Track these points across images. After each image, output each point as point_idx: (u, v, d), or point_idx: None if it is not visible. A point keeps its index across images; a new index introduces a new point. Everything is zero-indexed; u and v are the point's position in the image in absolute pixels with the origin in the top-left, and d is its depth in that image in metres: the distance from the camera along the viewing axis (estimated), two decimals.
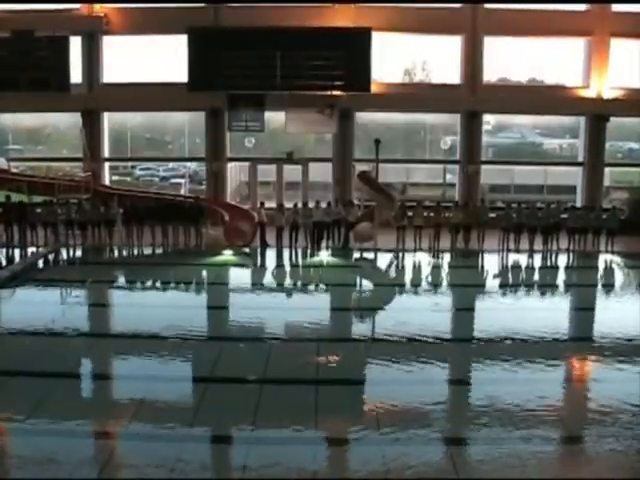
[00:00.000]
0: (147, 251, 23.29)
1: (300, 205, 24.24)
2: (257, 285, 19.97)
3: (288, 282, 20.73)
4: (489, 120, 30.70)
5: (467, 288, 19.44)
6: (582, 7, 28.52)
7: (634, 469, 8.65)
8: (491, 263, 22.74)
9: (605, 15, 28.02)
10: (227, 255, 22.82)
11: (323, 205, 23.94)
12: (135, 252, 23.33)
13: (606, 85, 28.49)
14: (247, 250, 23.63)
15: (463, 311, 17.12)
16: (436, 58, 29.28)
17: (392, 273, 22.33)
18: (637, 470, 8.65)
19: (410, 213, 23.82)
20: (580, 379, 12.53)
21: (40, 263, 21.77)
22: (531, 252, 23.18)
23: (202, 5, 27.90)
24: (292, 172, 29.23)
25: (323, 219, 23.49)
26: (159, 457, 8.63)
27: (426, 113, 29.83)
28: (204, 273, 21.36)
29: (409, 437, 9.25)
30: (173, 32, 27.24)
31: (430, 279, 20.76)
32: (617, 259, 23.37)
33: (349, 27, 27.28)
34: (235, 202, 29.02)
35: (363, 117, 29.65)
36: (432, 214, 23.83)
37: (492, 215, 24.44)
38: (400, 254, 23.18)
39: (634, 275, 22.61)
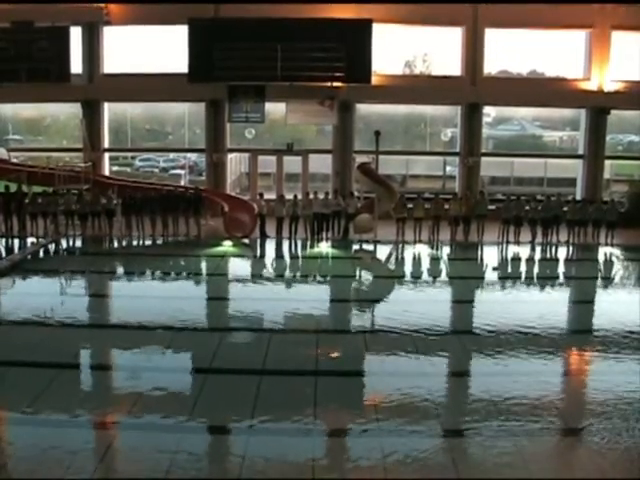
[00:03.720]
0: (147, 242, 23.32)
1: (300, 196, 24.24)
2: (256, 276, 19.98)
3: (287, 273, 20.73)
4: (489, 112, 30.69)
5: (466, 280, 19.46)
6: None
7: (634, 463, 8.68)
8: (491, 255, 22.78)
9: (606, 8, 27.89)
10: (226, 246, 22.84)
11: (322, 196, 23.94)
12: (134, 243, 23.35)
13: (607, 78, 28.43)
14: (246, 241, 23.64)
15: (462, 303, 17.15)
16: (437, 50, 29.22)
17: (391, 265, 22.35)
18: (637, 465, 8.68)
19: (410, 205, 23.84)
20: (579, 371, 12.57)
21: (40, 253, 21.80)
22: (531, 245, 23.20)
23: None
24: (292, 163, 29.21)
25: (323, 210, 23.50)
26: (158, 447, 8.66)
27: (426, 105, 29.79)
28: (203, 264, 21.38)
29: (408, 429, 9.27)
30: (174, 23, 27.20)
31: (429, 271, 20.78)
32: (617, 252, 23.38)
33: (350, 18, 27.20)
34: (235, 193, 29.04)
35: (363, 109, 29.62)
36: (432, 206, 23.84)
37: (492, 207, 24.45)
38: (400, 246, 23.21)
39: (634, 268, 22.62)
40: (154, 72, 27.77)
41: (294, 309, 15.47)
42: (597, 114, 28.74)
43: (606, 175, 29.87)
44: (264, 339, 13.19)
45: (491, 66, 29.18)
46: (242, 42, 26.99)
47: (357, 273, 20.86)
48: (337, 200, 24.20)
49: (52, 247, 22.64)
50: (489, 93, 28.23)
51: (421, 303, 16.38)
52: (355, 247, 23.42)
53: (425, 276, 20.14)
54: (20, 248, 21.98)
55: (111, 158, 30.57)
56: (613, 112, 28.62)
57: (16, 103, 29.51)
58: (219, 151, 28.97)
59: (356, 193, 26.10)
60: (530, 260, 22.11)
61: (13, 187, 23.68)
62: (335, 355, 12.90)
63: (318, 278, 19.69)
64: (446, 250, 23.33)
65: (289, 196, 24.33)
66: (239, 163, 31.48)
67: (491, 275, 20.61)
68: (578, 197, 28.12)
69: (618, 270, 22.34)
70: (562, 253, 22.96)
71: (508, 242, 23.33)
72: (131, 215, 23.50)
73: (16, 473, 8.15)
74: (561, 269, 21.75)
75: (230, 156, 29.84)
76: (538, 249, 23.04)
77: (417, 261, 22.01)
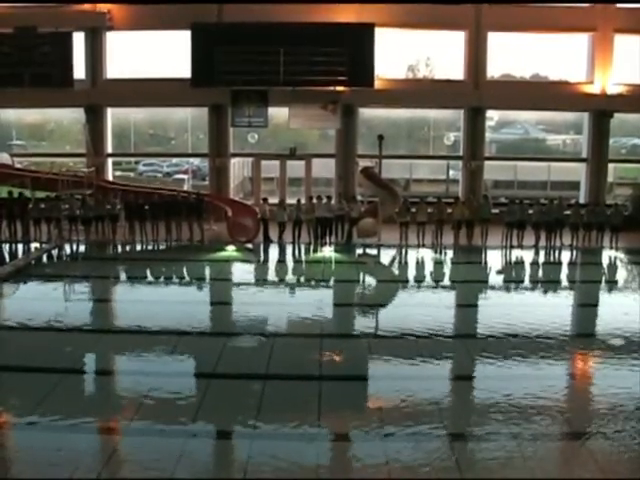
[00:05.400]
0: (150, 247, 23.32)
1: (303, 201, 24.26)
2: (260, 281, 19.99)
3: (291, 278, 20.72)
4: (492, 116, 30.66)
5: (470, 284, 19.43)
6: (586, 3, 28.45)
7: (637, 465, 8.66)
8: (494, 259, 22.73)
9: (609, 11, 27.90)
10: (230, 251, 22.84)
11: (324, 200, 23.94)
12: (138, 248, 23.35)
13: (610, 81, 28.40)
14: (250, 246, 23.65)
15: (466, 307, 17.13)
16: (440, 54, 29.23)
17: (395, 269, 22.33)
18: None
19: (413, 209, 23.83)
20: (583, 375, 12.55)
21: (43, 258, 21.80)
22: (535, 248, 23.16)
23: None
24: (295, 168, 29.21)
25: (326, 215, 23.50)
26: (162, 452, 8.65)
27: (429, 109, 29.79)
28: (207, 269, 21.38)
29: (412, 433, 9.25)
30: (177, 28, 27.23)
31: (433, 275, 20.76)
32: (621, 255, 23.34)
33: (352, 23, 27.21)
34: (238, 198, 29.05)
35: (366, 113, 29.63)
36: (435, 210, 23.82)
37: (495, 211, 24.43)
38: (403, 250, 23.19)
39: (637, 271, 22.58)
40: (157, 77, 27.82)
41: (298, 314, 15.46)
42: (600, 117, 28.71)
43: (609, 178, 29.83)
44: (268, 344, 13.17)
45: (494, 70, 29.17)
46: (245, 47, 27.00)
47: (360, 277, 20.84)
48: (340, 204, 24.19)
49: (56, 252, 22.65)
50: (492, 97, 28.20)
51: (424, 307, 16.36)
52: (358, 251, 23.40)
53: (428, 280, 20.13)
54: (24, 253, 21.99)
55: (114, 163, 30.58)
56: (616, 115, 28.62)
57: (19, 108, 29.59)
58: (222, 156, 28.98)
59: (359, 197, 26.11)
60: (534, 264, 22.08)
61: (17, 192, 23.73)
62: (339, 359, 12.88)
63: (321, 283, 19.66)
64: (449, 254, 23.30)
65: (292, 200, 24.33)
66: (242, 168, 31.50)
67: (495, 279, 20.58)
68: (582, 201, 28.09)
69: (622, 273, 22.32)
70: (566, 257, 22.92)
71: (512, 246, 23.28)
72: (134, 220, 23.50)
73: (21, 477, 8.16)
74: (565, 273, 21.71)
75: (233, 161, 29.85)
76: (542, 253, 23.00)
77: (420, 265, 21.98)
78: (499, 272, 21.49)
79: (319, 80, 27.43)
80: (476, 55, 28.43)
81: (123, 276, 20.62)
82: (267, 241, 23.76)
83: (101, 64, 28.73)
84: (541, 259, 22.55)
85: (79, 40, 28.35)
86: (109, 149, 29.57)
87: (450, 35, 28.58)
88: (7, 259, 21.16)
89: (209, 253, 22.66)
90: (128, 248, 23.42)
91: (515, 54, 28.49)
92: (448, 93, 28.16)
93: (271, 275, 21.18)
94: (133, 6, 27.91)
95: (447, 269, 22.09)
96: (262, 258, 23.42)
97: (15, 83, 27.21)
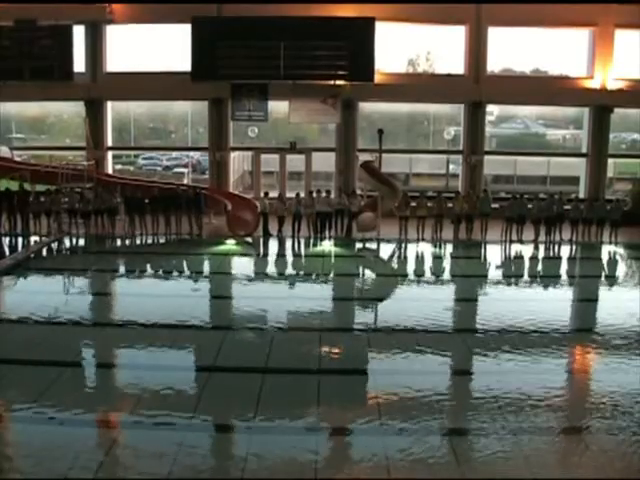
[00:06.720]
0: (149, 240, 23.33)
1: (303, 195, 24.27)
2: (260, 275, 19.99)
3: (290, 272, 20.73)
4: (492, 110, 30.68)
5: (469, 278, 19.45)
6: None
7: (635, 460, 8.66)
8: (493, 254, 22.75)
9: (609, 6, 27.87)
10: (230, 245, 22.85)
11: (324, 195, 23.96)
12: (138, 241, 23.36)
13: (610, 76, 28.42)
14: (250, 240, 23.66)
15: (465, 301, 17.13)
16: (440, 48, 29.21)
17: (394, 263, 22.34)
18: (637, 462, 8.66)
19: (413, 203, 23.84)
20: (582, 370, 12.55)
21: (43, 252, 21.81)
22: (534, 243, 23.17)
23: None
24: (295, 162, 29.22)
25: (326, 209, 23.51)
26: (161, 446, 8.65)
27: (429, 103, 29.78)
28: (207, 262, 21.39)
29: (411, 427, 9.26)
30: (177, 21, 27.24)
31: (432, 269, 20.77)
32: (620, 250, 23.35)
33: (353, 17, 27.22)
34: (238, 192, 29.05)
35: (366, 107, 29.62)
36: (435, 204, 23.83)
37: (495, 206, 24.43)
38: (403, 244, 23.21)
39: (637, 266, 22.59)
40: (157, 71, 27.85)
41: (297, 307, 15.46)
42: (600, 112, 28.75)
43: (609, 173, 29.87)
44: (267, 337, 13.18)
45: (494, 64, 29.21)
46: (245, 40, 27.01)
47: (360, 271, 20.85)
48: (340, 198, 24.20)
49: (55, 245, 22.65)
50: (492, 91, 28.23)
51: (424, 301, 16.37)
52: (358, 245, 23.42)
53: (428, 274, 20.14)
54: (23, 247, 22.01)
55: (114, 156, 30.63)
56: (616, 110, 28.63)
57: (19, 102, 29.59)
58: (222, 149, 29.01)
59: (359, 191, 26.11)
60: (533, 258, 22.09)
61: (16, 185, 23.73)
62: (338, 353, 12.89)
63: (321, 277, 19.66)
64: (449, 248, 23.31)
65: (292, 194, 24.34)
66: (242, 162, 31.51)
67: (494, 273, 20.58)
68: (581, 196, 28.12)
69: (622, 268, 22.33)
70: (565, 251, 22.93)
71: (511, 241, 23.29)
72: (134, 214, 23.50)
73: (19, 471, 8.15)
74: (564, 267, 21.73)
75: (233, 155, 29.87)
76: (541, 247, 23.01)
77: (420, 259, 22.00)
78: (498, 267, 21.48)
79: (319, 74, 27.45)
80: (476, 50, 28.45)
81: (122, 269, 20.62)
82: (267, 235, 23.77)
83: (101, 57, 28.77)
84: (541, 254, 22.57)
85: (79, 33, 28.36)
86: (109, 142, 29.61)
87: (451, 29, 28.62)
88: (7, 252, 21.16)
89: (209, 247, 22.67)
90: (128, 242, 23.44)
91: (515, 49, 28.52)
92: (448, 87, 28.18)
93: (270, 269, 21.17)
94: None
95: (447, 263, 22.09)
96: (262, 252, 23.43)
97: (15, 76, 27.23)
